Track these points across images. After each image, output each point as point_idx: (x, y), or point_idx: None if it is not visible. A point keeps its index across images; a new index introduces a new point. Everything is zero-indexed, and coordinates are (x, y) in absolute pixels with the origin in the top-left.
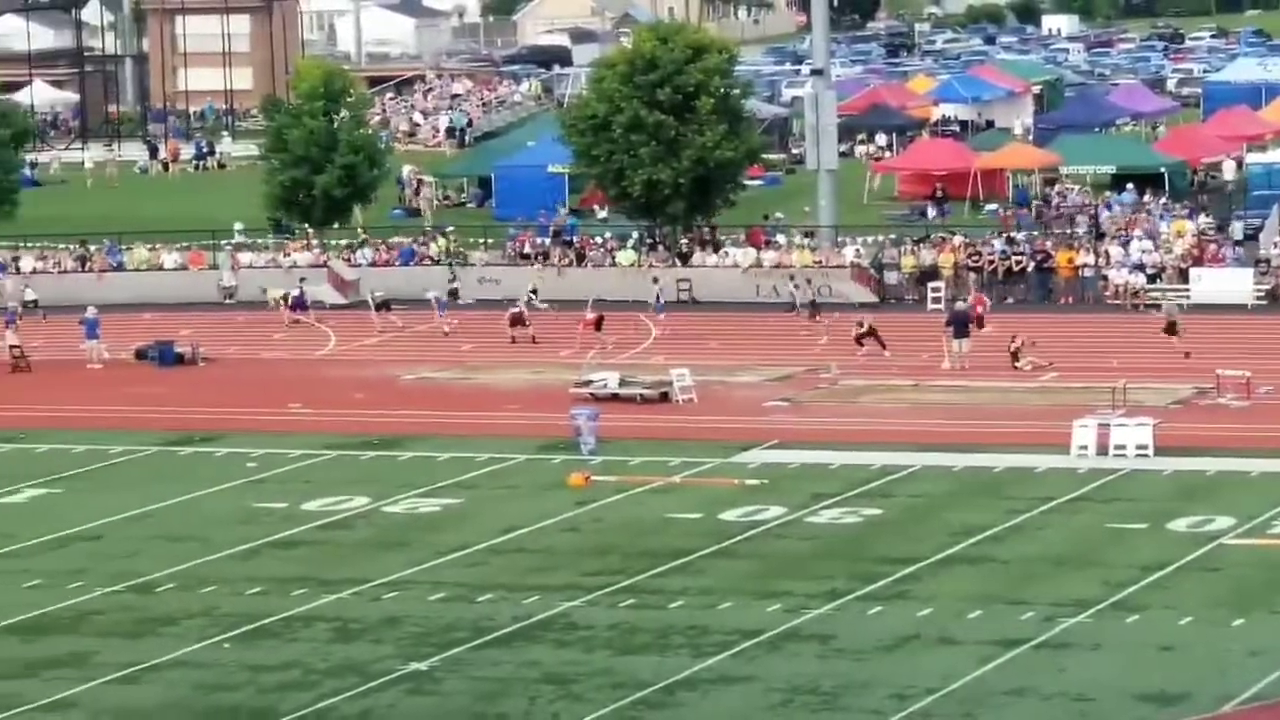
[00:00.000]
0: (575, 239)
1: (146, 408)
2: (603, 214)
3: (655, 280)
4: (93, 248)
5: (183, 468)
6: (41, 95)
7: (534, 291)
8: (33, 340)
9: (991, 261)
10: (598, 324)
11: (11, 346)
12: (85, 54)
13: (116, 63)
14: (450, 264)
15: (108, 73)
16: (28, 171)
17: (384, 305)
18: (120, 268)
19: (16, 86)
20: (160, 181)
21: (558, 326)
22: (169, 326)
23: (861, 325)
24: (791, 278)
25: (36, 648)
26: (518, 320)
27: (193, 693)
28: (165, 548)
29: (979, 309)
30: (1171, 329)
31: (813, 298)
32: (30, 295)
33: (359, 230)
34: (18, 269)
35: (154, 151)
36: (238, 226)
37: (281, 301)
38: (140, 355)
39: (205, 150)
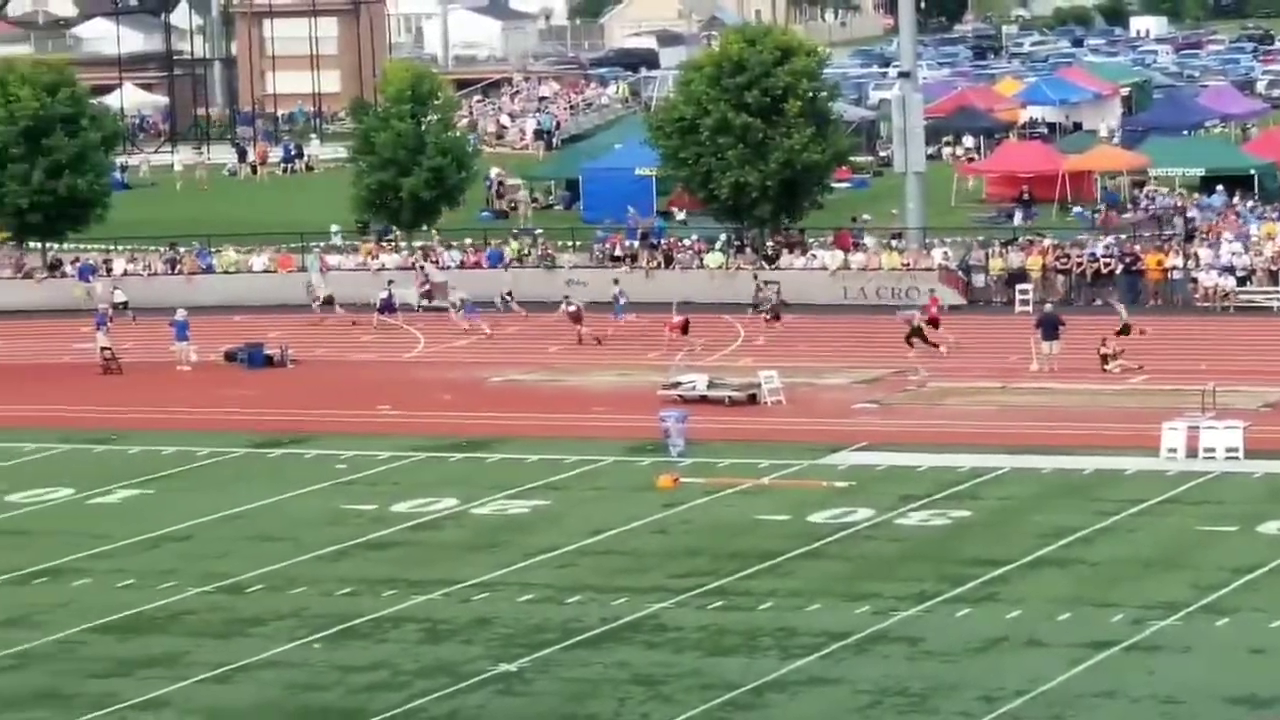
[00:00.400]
0: (663, 241)
1: (236, 409)
2: (680, 216)
3: (615, 281)
4: (182, 250)
5: (272, 469)
6: (131, 98)
7: (509, 294)
8: (123, 342)
9: (1080, 264)
10: (684, 327)
11: (102, 348)
12: (174, 57)
13: (205, 66)
14: (421, 266)
15: (197, 76)
16: (118, 175)
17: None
18: (210, 270)
19: (106, 90)
20: (249, 184)
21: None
22: (258, 328)
23: (911, 323)
24: (755, 276)
25: (130, 647)
26: (577, 319)
27: (283, 693)
28: (255, 548)
29: (933, 309)
30: (1125, 330)
31: (758, 299)
32: (120, 297)
33: (433, 233)
34: (108, 271)
35: (243, 154)
36: (334, 229)
37: (324, 302)
38: (229, 357)
39: (293, 153)
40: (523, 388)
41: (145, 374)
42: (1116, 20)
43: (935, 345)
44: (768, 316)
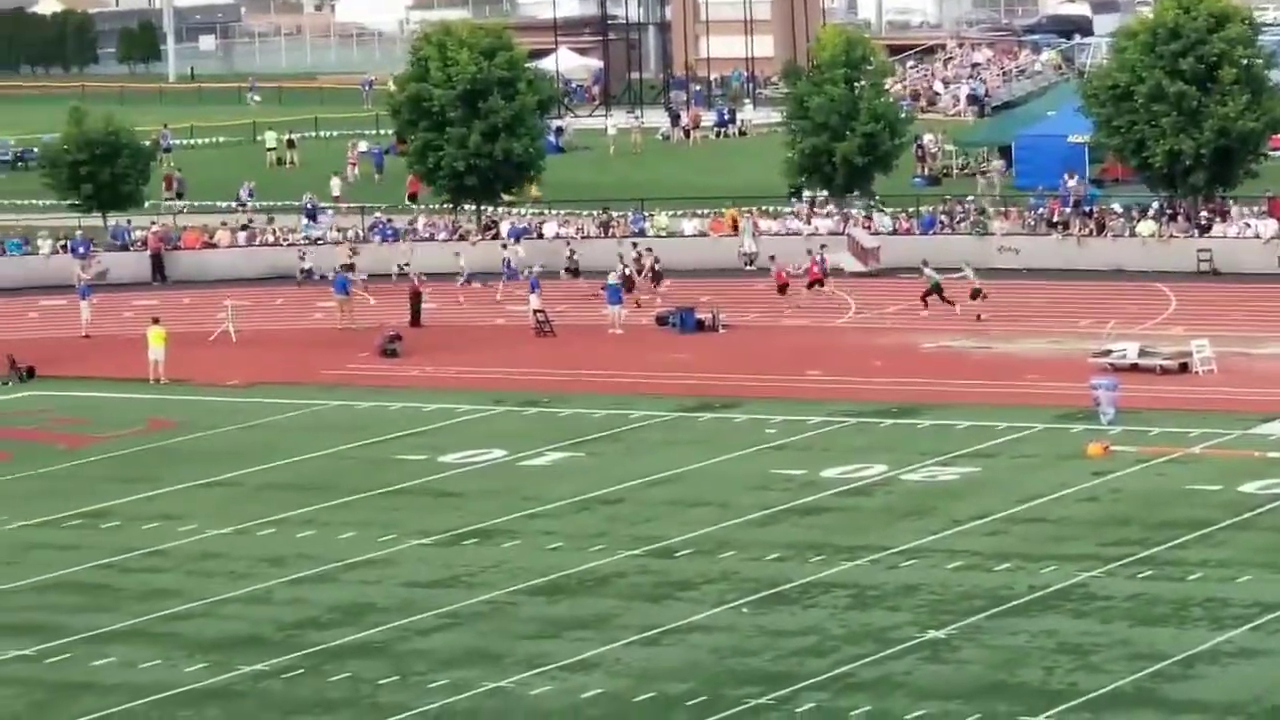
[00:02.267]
0: (1095, 209)
1: (666, 373)
2: (1073, 183)
3: (504, 246)
4: (615, 214)
5: (702, 433)
6: (566, 62)
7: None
8: (557, 305)
9: None
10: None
11: (535, 311)
12: (609, 22)
13: (639, 30)
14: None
15: (631, 40)
16: (552, 138)
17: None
18: (642, 234)
19: (542, 54)
20: (681, 148)
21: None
22: (689, 293)
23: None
24: (634, 244)
25: (560, 608)
26: (817, 281)
27: (711, 656)
28: (684, 512)
29: (815, 269)
30: (976, 294)
31: (643, 267)
32: (348, 259)
33: (855, 198)
34: (540, 234)
35: (675, 118)
36: (804, 194)
37: (404, 267)
38: (661, 321)
39: (726, 117)
40: (955, 354)
41: (578, 337)
42: None
43: (952, 304)
44: (654, 281)
